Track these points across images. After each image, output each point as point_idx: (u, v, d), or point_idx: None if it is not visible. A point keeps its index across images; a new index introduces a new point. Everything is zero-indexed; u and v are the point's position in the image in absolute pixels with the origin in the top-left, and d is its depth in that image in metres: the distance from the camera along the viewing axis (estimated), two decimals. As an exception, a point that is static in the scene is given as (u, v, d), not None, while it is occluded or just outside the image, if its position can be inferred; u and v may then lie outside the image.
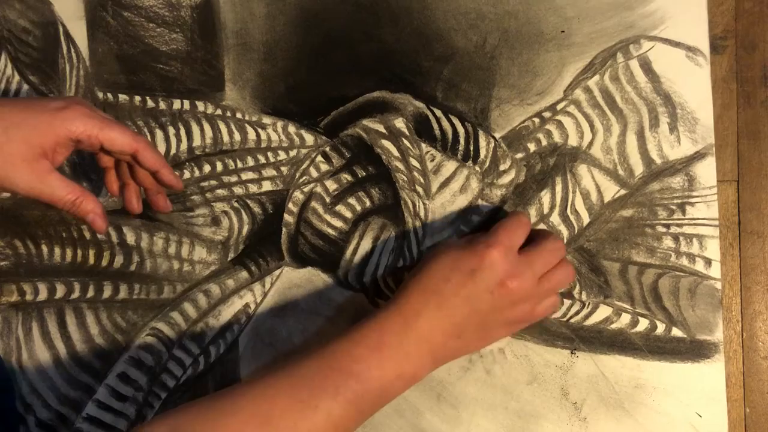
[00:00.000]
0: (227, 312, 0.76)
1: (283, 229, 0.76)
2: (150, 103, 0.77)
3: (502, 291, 0.64)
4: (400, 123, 0.76)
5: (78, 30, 0.77)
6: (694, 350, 0.74)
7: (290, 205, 0.76)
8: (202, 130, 0.77)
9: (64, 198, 0.67)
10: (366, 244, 0.76)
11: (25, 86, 0.77)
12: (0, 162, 0.63)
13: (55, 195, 0.66)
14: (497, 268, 0.63)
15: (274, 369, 0.62)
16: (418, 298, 0.64)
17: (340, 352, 0.62)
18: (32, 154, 0.64)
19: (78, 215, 0.68)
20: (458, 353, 0.66)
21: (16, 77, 0.77)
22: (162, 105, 0.77)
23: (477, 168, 0.76)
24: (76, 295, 0.76)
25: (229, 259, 0.77)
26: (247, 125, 0.77)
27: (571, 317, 0.75)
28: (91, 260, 0.76)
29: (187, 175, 0.77)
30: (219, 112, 0.77)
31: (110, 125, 0.66)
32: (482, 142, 0.76)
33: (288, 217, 0.76)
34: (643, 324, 0.74)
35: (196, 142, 0.77)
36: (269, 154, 0.77)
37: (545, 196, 0.76)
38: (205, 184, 0.77)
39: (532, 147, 0.76)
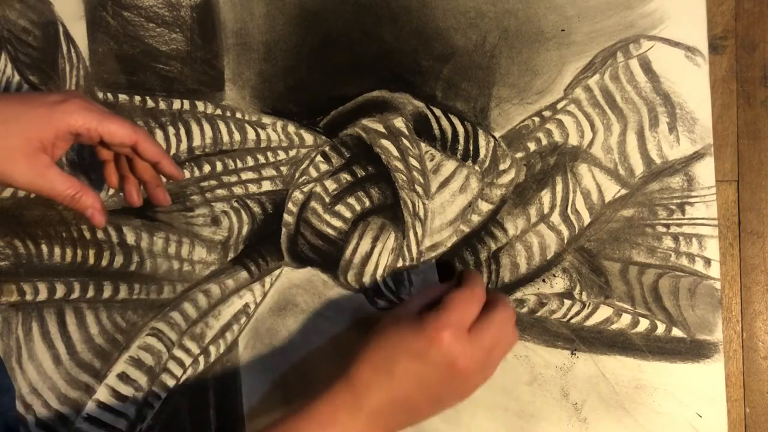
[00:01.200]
0: (227, 312, 0.76)
1: (283, 229, 0.76)
2: (150, 103, 0.77)
3: (452, 372, 0.62)
4: (399, 122, 0.76)
5: (78, 30, 0.77)
6: (694, 350, 0.74)
7: (290, 205, 0.76)
8: (201, 130, 0.77)
9: (63, 192, 0.66)
10: (365, 244, 0.76)
11: (25, 86, 0.77)
12: None
13: (55, 189, 0.66)
14: (446, 351, 0.61)
15: None
16: (369, 373, 0.62)
17: (292, 430, 0.62)
18: (31, 148, 0.64)
19: (77, 210, 0.68)
20: (411, 423, 0.65)
21: (16, 77, 0.77)
22: (162, 105, 0.77)
23: (477, 167, 0.76)
24: (76, 295, 0.76)
25: (228, 259, 0.77)
26: (246, 125, 0.77)
27: (571, 318, 0.75)
28: (91, 260, 0.76)
29: (187, 175, 0.77)
30: (219, 111, 0.77)
31: (109, 118, 0.66)
32: (482, 142, 0.76)
33: (287, 217, 0.76)
34: (643, 324, 0.74)
35: (196, 142, 0.77)
36: (269, 153, 0.77)
37: (545, 196, 0.76)
38: (205, 184, 0.77)
39: (532, 146, 0.76)
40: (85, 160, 0.77)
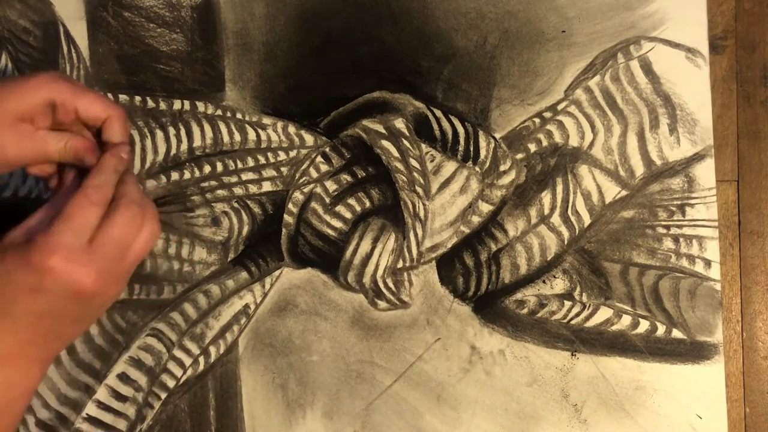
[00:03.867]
0: (227, 312, 0.76)
1: (283, 230, 0.76)
2: (150, 104, 0.77)
3: (80, 296, 0.55)
4: (399, 123, 0.76)
5: (78, 30, 0.77)
6: (695, 352, 0.74)
7: (290, 206, 0.76)
8: (202, 130, 0.77)
9: (56, 146, 0.62)
10: (365, 245, 0.76)
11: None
12: None
13: (48, 147, 0.62)
14: (64, 278, 0.53)
15: None
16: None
17: None
18: (11, 119, 0.60)
19: (72, 157, 0.63)
20: (66, 344, 0.60)
21: (16, 77, 0.77)
22: (162, 105, 0.77)
23: (477, 168, 0.76)
24: None
25: (229, 259, 0.76)
26: (247, 125, 0.77)
27: (571, 319, 0.75)
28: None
29: (187, 175, 0.77)
30: (219, 112, 0.77)
31: (85, 90, 0.63)
32: (482, 143, 0.76)
33: (288, 218, 0.76)
34: (643, 326, 0.74)
35: (197, 142, 0.77)
36: (269, 154, 0.77)
37: (546, 197, 0.76)
38: (205, 184, 0.77)
39: (532, 147, 0.76)
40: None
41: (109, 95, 0.77)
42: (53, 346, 0.58)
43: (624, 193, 0.75)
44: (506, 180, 0.76)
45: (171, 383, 0.76)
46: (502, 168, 0.76)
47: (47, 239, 0.53)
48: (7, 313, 0.54)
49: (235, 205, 0.77)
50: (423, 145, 0.76)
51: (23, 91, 0.61)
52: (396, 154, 0.76)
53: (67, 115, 0.63)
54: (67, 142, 0.63)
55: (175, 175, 0.77)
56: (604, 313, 0.75)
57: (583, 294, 0.75)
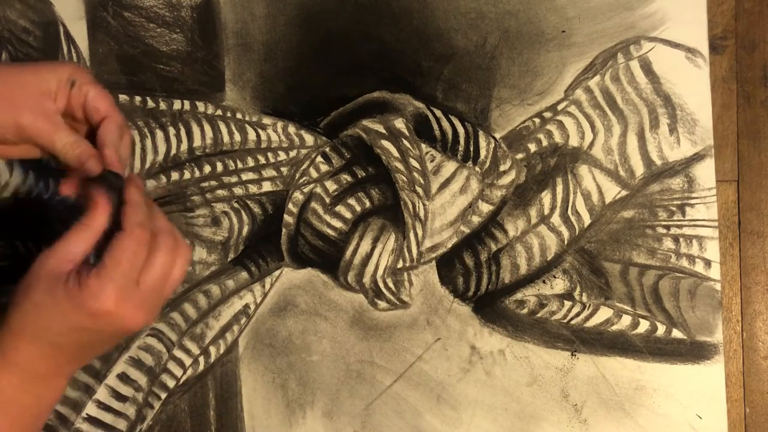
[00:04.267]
0: (227, 312, 0.76)
1: (283, 230, 0.76)
2: (150, 104, 0.77)
3: (124, 331, 0.56)
4: (399, 123, 0.76)
5: (78, 30, 0.77)
6: (695, 352, 0.74)
7: (290, 206, 0.76)
8: (202, 130, 0.77)
9: (65, 139, 0.61)
10: (366, 245, 0.76)
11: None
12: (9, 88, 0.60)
13: (57, 135, 0.60)
14: (115, 319, 0.54)
15: None
16: (28, 347, 0.55)
17: None
18: (37, 92, 0.60)
19: (73, 158, 0.61)
20: (95, 357, 0.61)
21: (16, 77, 0.77)
22: (162, 105, 0.77)
23: (477, 168, 0.76)
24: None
25: (229, 259, 0.76)
26: (247, 126, 0.77)
27: (571, 319, 0.75)
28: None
29: (187, 175, 0.77)
30: (219, 112, 0.77)
31: (98, 84, 0.63)
32: (482, 143, 0.76)
33: (288, 218, 0.76)
34: (643, 325, 0.74)
35: (197, 142, 0.77)
36: (269, 154, 0.77)
37: (546, 197, 0.76)
38: (205, 184, 0.77)
39: (532, 147, 0.76)
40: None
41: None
42: (84, 362, 0.60)
43: (624, 193, 0.75)
44: (506, 180, 0.76)
45: (171, 383, 0.76)
46: (502, 168, 0.76)
47: (101, 284, 0.53)
48: (54, 343, 0.55)
49: (235, 205, 0.77)
50: (423, 145, 0.76)
51: (49, 67, 0.62)
52: (396, 154, 0.76)
53: (80, 98, 0.62)
54: (74, 141, 0.61)
55: (175, 175, 0.77)
56: (604, 313, 0.75)
57: (583, 294, 0.75)
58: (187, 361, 0.76)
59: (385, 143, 0.76)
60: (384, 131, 0.76)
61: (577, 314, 0.75)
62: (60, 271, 0.55)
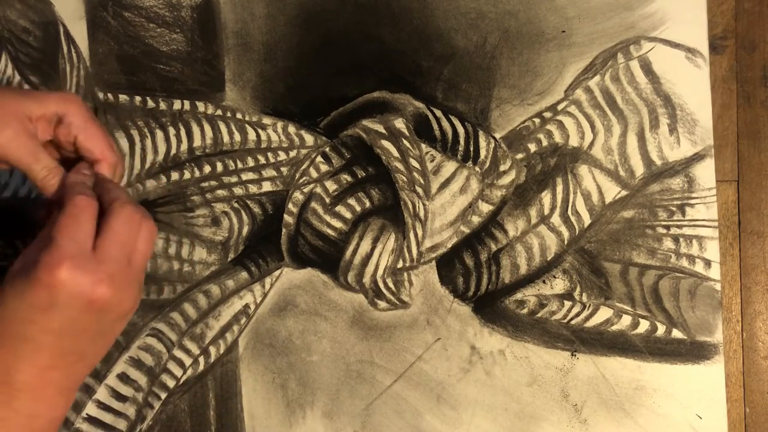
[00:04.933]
0: (227, 312, 0.76)
1: (283, 230, 0.76)
2: (150, 104, 0.77)
3: (96, 307, 0.54)
4: (399, 123, 0.76)
5: (78, 30, 0.77)
6: (695, 352, 0.74)
7: (290, 206, 0.76)
8: (202, 130, 0.77)
9: (43, 164, 0.60)
10: (365, 245, 0.76)
11: (26, 86, 0.77)
12: None
13: (36, 157, 0.60)
14: (75, 289, 0.52)
15: None
16: (5, 352, 0.53)
17: None
18: (23, 114, 0.60)
19: (46, 189, 0.62)
20: (87, 372, 0.58)
21: (17, 77, 0.77)
22: (162, 105, 0.77)
23: (477, 168, 0.76)
24: None
25: (229, 259, 0.77)
26: (247, 126, 0.77)
27: (571, 319, 0.75)
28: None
29: (187, 175, 0.77)
30: (219, 112, 0.77)
31: (95, 124, 0.63)
32: (482, 143, 0.76)
33: (288, 218, 0.76)
34: (643, 326, 0.74)
35: (197, 142, 0.77)
36: (269, 154, 0.77)
37: (546, 197, 0.76)
38: (205, 184, 0.77)
39: (532, 147, 0.76)
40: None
41: (110, 95, 0.77)
42: (76, 369, 0.57)
43: (624, 193, 0.75)
44: (506, 180, 0.76)
45: (171, 383, 0.76)
46: (502, 168, 0.76)
47: (50, 253, 0.52)
48: (25, 337, 0.53)
49: (235, 205, 0.77)
50: (423, 145, 0.76)
51: (38, 97, 0.61)
52: (396, 154, 0.76)
53: (68, 136, 0.62)
54: (52, 171, 0.61)
55: (175, 175, 0.77)
56: (604, 313, 0.75)
57: (583, 294, 0.75)
58: (187, 361, 0.76)
59: (385, 143, 0.76)
60: (384, 131, 0.76)
61: (577, 314, 0.75)
62: (22, 263, 0.54)
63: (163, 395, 0.76)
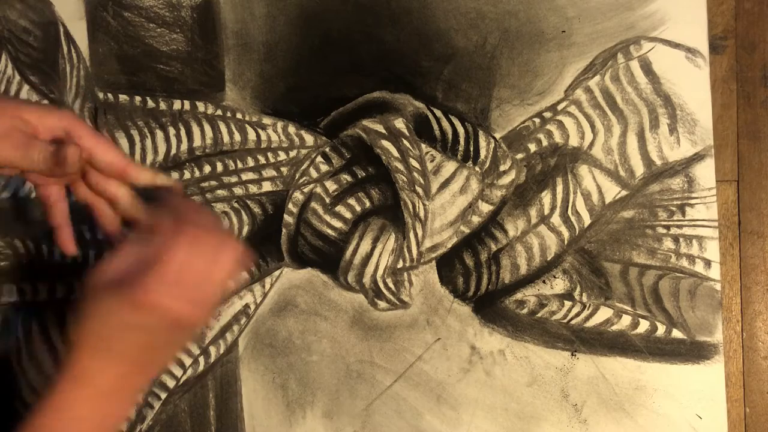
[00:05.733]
0: (227, 313, 0.76)
1: (283, 230, 0.76)
2: (150, 104, 0.77)
3: (180, 326, 0.57)
4: (399, 123, 0.76)
5: (78, 30, 0.77)
6: (694, 352, 0.74)
7: (290, 206, 0.76)
8: (202, 130, 0.77)
9: (40, 154, 0.61)
10: (366, 245, 0.76)
11: (26, 86, 0.77)
12: None
13: (30, 153, 0.61)
14: (169, 314, 0.56)
15: None
16: (89, 360, 0.56)
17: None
18: (19, 117, 0.60)
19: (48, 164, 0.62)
20: (160, 372, 0.64)
21: (17, 77, 0.77)
22: (162, 105, 0.77)
23: (477, 168, 0.76)
24: (76, 295, 0.76)
25: (229, 259, 0.76)
26: (247, 126, 0.77)
27: (571, 319, 0.75)
28: (92, 260, 0.76)
29: (187, 175, 0.77)
30: (219, 112, 0.77)
31: (102, 136, 0.63)
32: (482, 143, 0.76)
33: (288, 218, 0.76)
34: (643, 325, 0.74)
35: (197, 142, 0.77)
36: (269, 154, 0.77)
37: (546, 197, 0.76)
38: (205, 184, 0.77)
39: (532, 147, 0.76)
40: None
41: (110, 95, 0.77)
42: (149, 375, 0.60)
43: (624, 193, 0.75)
44: (506, 180, 0.76)
45: (171, 383, 0.76)
46: (502, 168, 0.76)
47: (148, 280, 0.55)
48: (112, 350, 0.56)
49: (235, 205, 0.77)
50: (423, 145, 0.76)
51: (48, 110, 0.61)
52: (396, 154, 0.76)
53: (74, 154, 0.62)
54: (47, 150, 0.61)
55: (175, 175, 0.77)
56: (604, 313, 0.75)
57: (583, 294, 0.75)
58: (187, 361, 0.76)
59: (385, 143, 0.76)
60: (384, 131, 0.76)
61: (577, 314, 0.75)
62: (110, 279, 0.57)
63: (163, 395, 0.76)
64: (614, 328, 0.75)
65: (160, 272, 0.56)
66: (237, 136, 0.77)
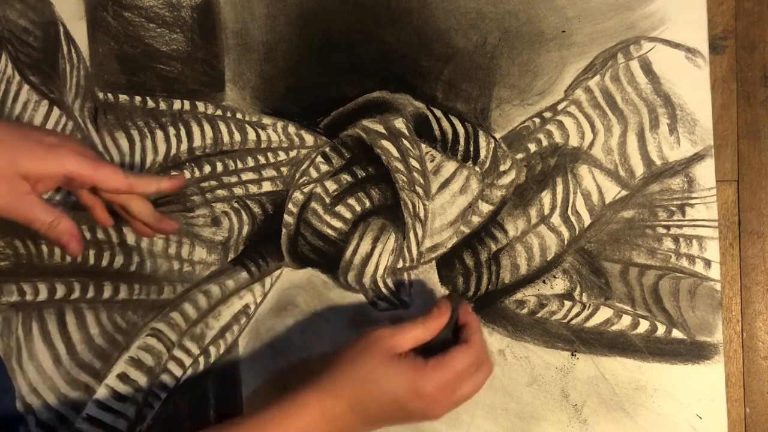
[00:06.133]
0: (227, 312, 0.76)
1: (283, 230, 0.76)
2: (150, 104, 0.77)
3: (418, 418, 0.64)
4: (399, 123, 0.76)
5: (78, 30, 0.77)
6: (694, 352, 0.74)
7: (290, 206, 0.76)
8: (202, 130, 0.77)
9: (41, 218, 0.66)
10: (366, 245, 0.76)
11: (26, 86, 0.77)
12: None
13: (33, 214, 0.66)
14: (431, 405, 0.63)
15: None
16: (343, 410, 0.62)
17: None
18: (15, 174, 0.64)
19: (54, 237, 0.67)
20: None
21: (17, 77, 0.77)
22: (162, 105, 0.77)
23: (477, 168, 0.76)
24: (76, 295, 0.76)
25: (229, 259, 0.77)
26: (247, 126, 0.77)
27: (571, 319, 0.75)
28: (92, 260, 0.76)
29: (187, 175, 0.77)
30: (219, 112, 0.77)
31: (103, 165, 0.66)
32: (482, 143, 0.76)
33: (288, 218, 0.76)
34: (643, 326, 0.74)
35: (197, 142, 0.77)
36: (269, 154, 0.77)
37: (546, 197, 0.76)
38: (205, 184, 0.77)
39: (532, 147, 0.76)
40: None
41: (110, 95, 0.77)
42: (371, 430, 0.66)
43: (624, 193, 0.75)
44: (506, 180, 0.76)
45: (171, 383, 0.76)
46: (502, 168, 0.76)
47: (434, 374, 0.62)
48: (367, 412, 0.63)
49: (235, 205, 0.77)
50: (423, 145, 0.76)
51: (44, 158, 0.65)
52: (396, 154, 0.76)
53: (82, 186, 0.68)
54: (53, 221, 0.66)
55: (175, 175, 0.77)
56: (604, 313, 0.75)
57: (583, 294, 0.75)
58: (187, 361, 0.76)
59: (385, 143, 0.76)
60: (384, 131, 0.76)
61: (577, 314, 0.75)
62: (394, 351, 0.63)
63: (163, 395, 0.76)
64: (614, 328, 0.75)
65: (447, 372, 0.62)
66: (237, 136, 0.77)
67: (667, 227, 0.75)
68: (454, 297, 0.67)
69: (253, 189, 0.77)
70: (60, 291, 0.76)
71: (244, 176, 0.77)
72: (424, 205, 0.76)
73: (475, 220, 0.76)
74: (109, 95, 0.77)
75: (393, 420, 0.64)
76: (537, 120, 0.76)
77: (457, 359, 0.63)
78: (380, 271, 0.76)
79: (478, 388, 0.65)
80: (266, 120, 0.77)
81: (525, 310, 0.75)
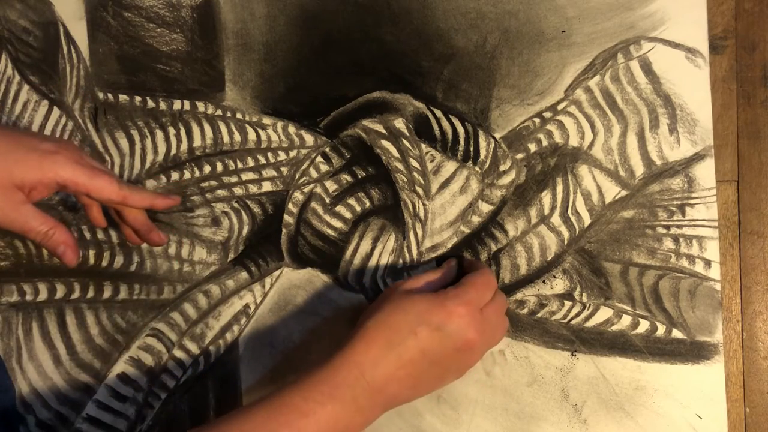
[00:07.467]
0: (227, 313, 0.76)
1: (283, 230, 0.76)
2: (150, 104, 0.77)
3: (464, 346, 0.64)
4: (399, 123, 0.76)
5: (78, 30, 0.77)
6: (694, 352, 0.74)
7: (290, 206, 0.76)
8: (202, 130, 0.77)
9: (36, 228, 0.66)
10: (366, 245, 0.76)
11: (26, 86, 0.77)
12: None
13: (28, 224, 0.66)
14: (465, 325, 0.63)
15: (222, 421, 0.60)
16: (379, 348, 0.62)
17: (288, 406, 0.59)
18: (10, 183, 0.64)
19: (49, 247, 0.68)
20: (410, 400, 0.65)
21: (17, 77, 0.77)
22: (162, 105, 0.77)
23: (477, 168, 0.76)
24: (76, 295, 0.76)
25: (229, 259, 0.77)
26: (247, 126, 0.77)
27: (571, 319, 0.75)
28: (91, 260, 0.76)
29: (187, 175, 0.77)
30: (219, 112, 0.77)
31: (98, 174, 0.67)
32: (482, 143, 0.76)
33: (288, 218, 0.76)
34: (643, 326, 0.74)
35: (197, 142, 0.77)
36: (269, 154, 0.77)
37: (546, 197, 0.76)
38: (205, 184, 0.77)
39: (532, 147, 0.76)
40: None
41: (110, 95, 0.77)
42: (402, 396, 0.65)
43: (624, 193, 0.75)
44: (506, 180, 0.76)
45: (171, 383, 0.76)
46: (502, 168, 0.76)
47: (459, 294, 0.64)
48: (402, 344, 0.62)
49: (235, 205, 0.77)
50: (423, 145, 0.76)
51: (39, 166, 0.65)
52: (396, 154, 0.76)
53: (76, 194, 0.69)
54: (49, 231, 0.67)
55: (175, 175, 0.77)
56: (604, 313, 0.75)
57: (583, 294, 0.75)
58: (187, 361, 0.76)
59: (385, 143, 0.76)
60: (384, 131, 0.76)
61: (577, 314, 0.75)
62: (410, 290, 0.66)
63: (163, 395, 0.76)
64: (614, 328, 0.75)
65: (468, 295, 0.65)
66: (237, 136, 0.77)
67: (667, 227, 0.75)
68: (461, 259, 0.73)
69: (253, 189, 0.77)
70: (60, 291, 0.76)
71: (244, 176, 0.77)
72: (424, 205, 0.76)
73: (475, 220, 0.76)
74: (109, 95, 0.77)
75: (433, 356, 0.63)
76: (537, 120, 0.76)
77: (471, 276, 0.67)
78: (380, 271, 0.76)
79: (501, 310, 0.68)
80: (266, 120, 0.77)
81: (525, 310, 0.75)
